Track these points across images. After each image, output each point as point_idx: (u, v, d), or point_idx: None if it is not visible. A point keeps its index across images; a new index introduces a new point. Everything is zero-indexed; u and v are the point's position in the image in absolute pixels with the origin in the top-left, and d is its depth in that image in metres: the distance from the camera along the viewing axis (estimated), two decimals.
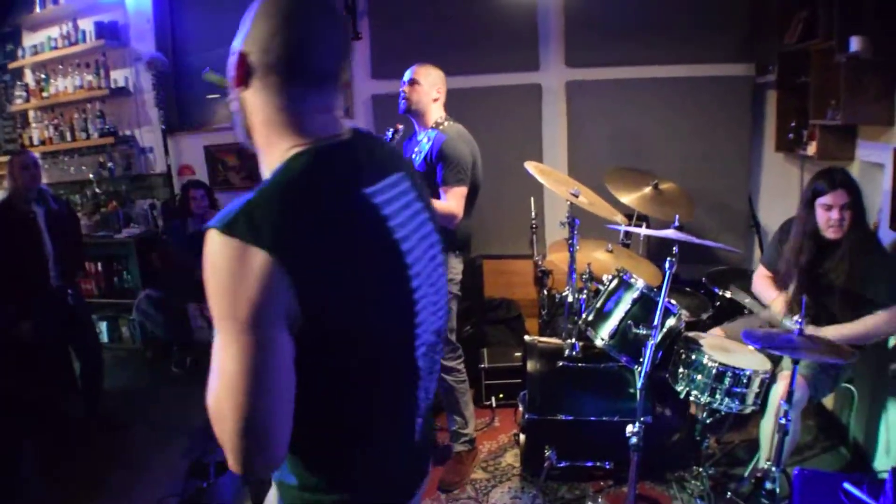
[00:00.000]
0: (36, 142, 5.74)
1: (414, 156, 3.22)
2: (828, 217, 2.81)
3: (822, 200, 2.82)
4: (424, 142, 3.18)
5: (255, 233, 0.97)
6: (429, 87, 3.19)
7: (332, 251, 1.04)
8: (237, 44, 1.14)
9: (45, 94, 5.64)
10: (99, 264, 5.40)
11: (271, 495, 1.34)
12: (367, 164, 1.17)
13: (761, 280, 3.27)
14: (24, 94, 5.73)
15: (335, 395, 1.14)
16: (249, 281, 0.96)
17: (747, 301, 3.47)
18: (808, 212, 2.91)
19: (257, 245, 0.96)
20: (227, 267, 0.97)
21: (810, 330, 2.68)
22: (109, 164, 5.52)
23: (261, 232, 0.97)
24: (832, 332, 2.74)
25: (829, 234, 2.83)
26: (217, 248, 0.98)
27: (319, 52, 1.13)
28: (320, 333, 1.04)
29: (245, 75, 1.13)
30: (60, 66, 5.59)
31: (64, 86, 5.56)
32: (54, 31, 5.54)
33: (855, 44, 2.93)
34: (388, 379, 1.20)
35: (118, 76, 5.47)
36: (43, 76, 5.64)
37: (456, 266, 3.25)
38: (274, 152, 1.13)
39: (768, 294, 3.16)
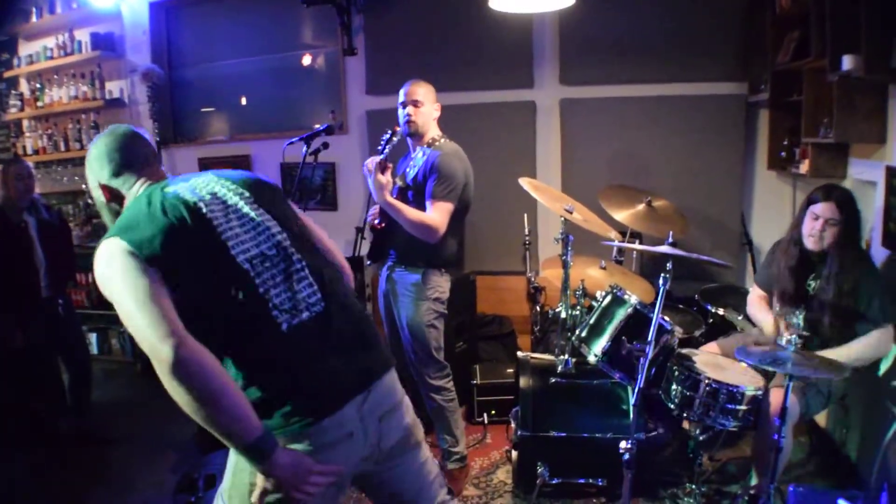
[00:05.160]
0: (30, 151, 5.74)
1: (408, 171, 3.21)
2: (812, 225, 2.83)
3: (812, 209, 2.84)
4: (419, 157, 3.17)
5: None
6: (430, 105, 3.19)
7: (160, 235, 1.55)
8: (98, 182, 1.80)
9: (39, 104, 5.65)
10: (90, 275, 5.33)
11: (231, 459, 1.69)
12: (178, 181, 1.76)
13: (756, 301, 3.24)
14: (19, 103, 5.74)
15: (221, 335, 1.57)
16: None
17: (739, 319, 3.48)
18: (801, 217, 2.93)
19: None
20: None
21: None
22: None
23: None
24: (828, 354, 2.73)
25: (808, 242, 2.85)
26: None
27: (130, 154, 1.79)
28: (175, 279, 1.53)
29: (111, 196, 1.80)
30: (55, 76, 5.61)
31: (59, 96, 5.58)
32: (50, 41, 5.57)
33: (847, 62, 2.94)
34: (232, 301, 1.59)
35: (113, 87, 5.48)
36: (38, 85, 5.65)
37: (442, 284, 3.21)
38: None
39: (762, 316, 3.16)
